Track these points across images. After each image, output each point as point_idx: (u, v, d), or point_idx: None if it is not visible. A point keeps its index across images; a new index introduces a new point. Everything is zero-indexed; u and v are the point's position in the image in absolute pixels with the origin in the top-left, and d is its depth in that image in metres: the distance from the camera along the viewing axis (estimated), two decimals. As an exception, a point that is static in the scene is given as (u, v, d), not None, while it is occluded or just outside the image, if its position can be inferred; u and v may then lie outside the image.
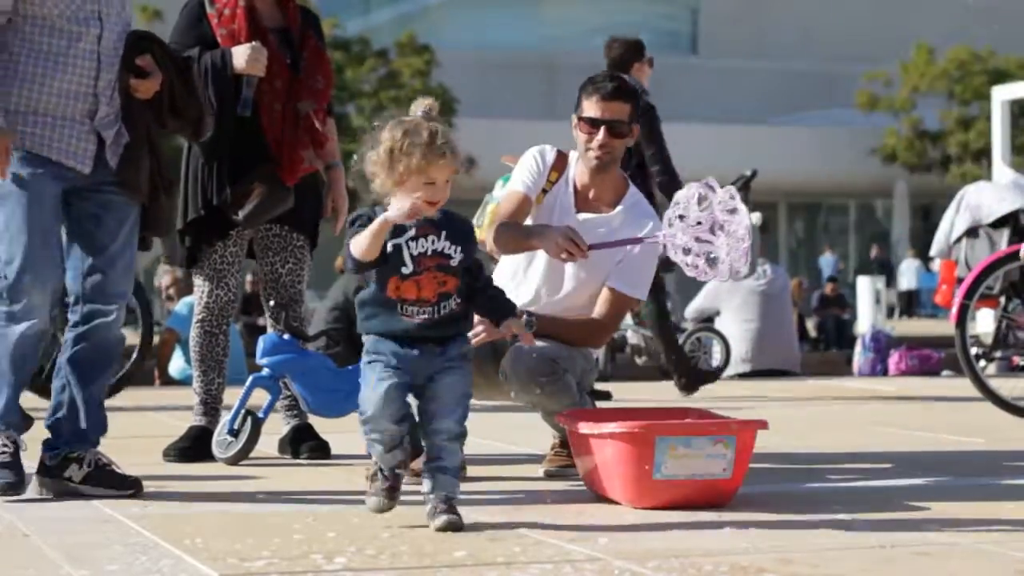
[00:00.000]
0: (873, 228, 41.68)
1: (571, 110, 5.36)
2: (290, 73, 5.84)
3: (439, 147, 4.01)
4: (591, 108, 5.28)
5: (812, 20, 41.33)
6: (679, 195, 4.86)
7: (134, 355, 8.34)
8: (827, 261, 35.72)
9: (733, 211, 4.78)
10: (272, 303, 5.89)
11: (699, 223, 4.81)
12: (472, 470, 5.21)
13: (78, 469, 4.76)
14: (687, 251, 4.84)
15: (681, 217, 4.82)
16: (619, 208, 5.36)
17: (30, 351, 4.78)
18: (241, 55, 5.71)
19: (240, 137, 5.75)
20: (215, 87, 5.67)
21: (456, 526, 4.03)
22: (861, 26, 40.90)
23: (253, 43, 5.73)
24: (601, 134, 5.26)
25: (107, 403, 4.97)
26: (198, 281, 5.89)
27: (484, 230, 5.47)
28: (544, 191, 5.35)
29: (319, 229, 6.04)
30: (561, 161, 5.40)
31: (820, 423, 7.61)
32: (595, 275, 5.27)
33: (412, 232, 4.08)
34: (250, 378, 5.75)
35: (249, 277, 16.75)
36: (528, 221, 5.31)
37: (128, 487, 4.77)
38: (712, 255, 4.83)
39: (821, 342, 23.07)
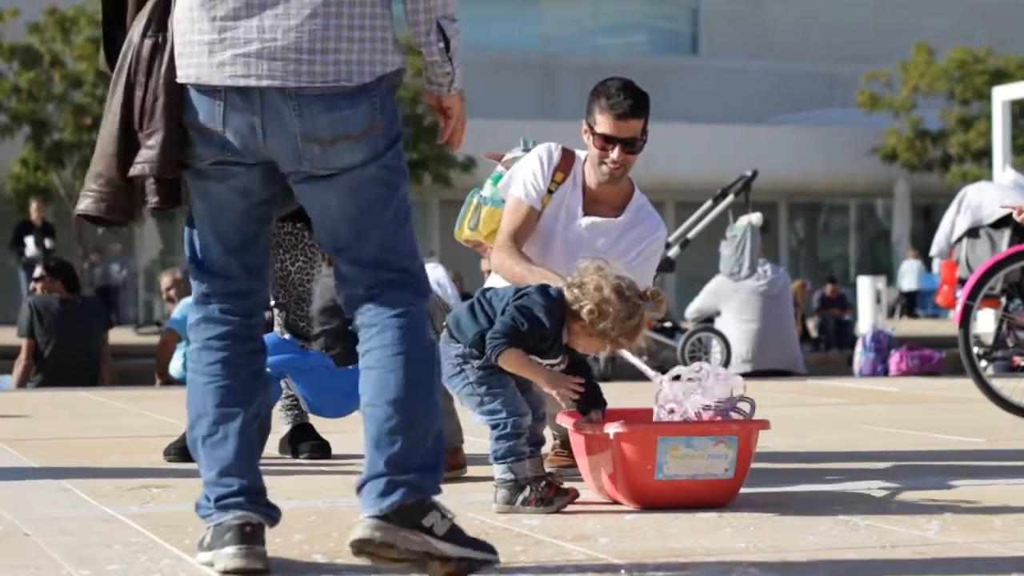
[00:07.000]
0: (873, 228, 41.66)
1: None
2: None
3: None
4: (606, 124, 5.21)
5: (812, 20, 41.28)
6: (719, 373, 4.70)
7: None
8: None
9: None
10: (274, 303, 5.89)
11: (698, 400, 4.64)
12: (472, 470, 5.22)
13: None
14: (668, 406, 4.69)
15: (692, 380, 4.67)
16: (624, 214, 5.37)
17: None
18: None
19: None
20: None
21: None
22: (861, 26, 40.88)
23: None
24: (616, 153, 5.24)
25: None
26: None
27: (465, 229, 5.46)
28: (549, 191, 5.34)
29: None
30: (567, 160, 5.37)
31: (820, 423, 7.60)
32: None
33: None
34: (250, 378, 5.74)
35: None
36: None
37: None
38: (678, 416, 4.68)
39: (822, 342, 23.06)
